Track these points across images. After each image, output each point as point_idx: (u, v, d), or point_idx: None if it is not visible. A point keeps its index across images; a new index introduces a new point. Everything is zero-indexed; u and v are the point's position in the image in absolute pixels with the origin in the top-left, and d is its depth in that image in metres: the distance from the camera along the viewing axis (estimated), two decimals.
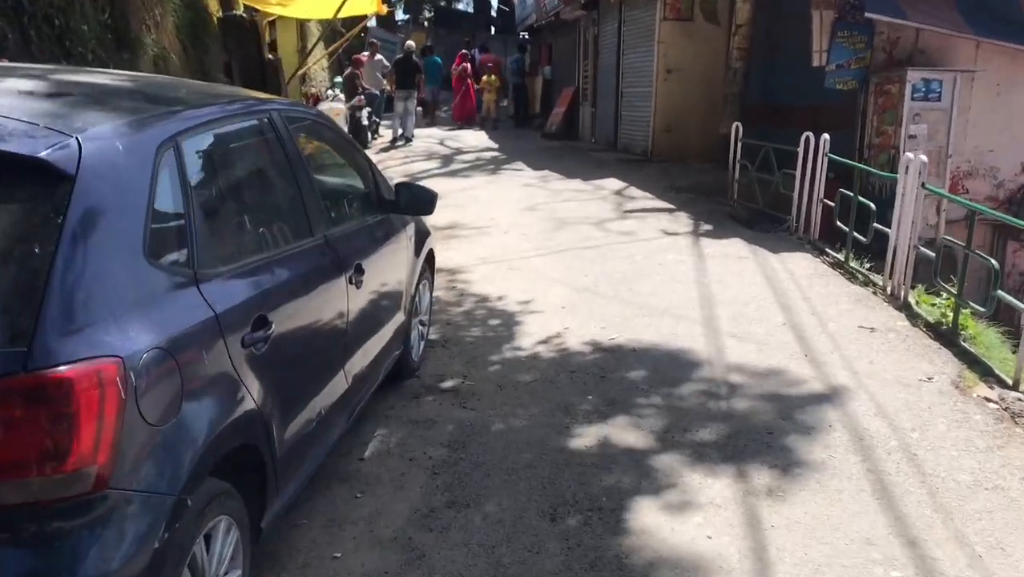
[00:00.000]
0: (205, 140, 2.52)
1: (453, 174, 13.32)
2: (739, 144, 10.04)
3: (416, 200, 4.08)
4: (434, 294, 6.37)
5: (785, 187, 8.85)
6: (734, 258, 7.60)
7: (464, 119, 20.53)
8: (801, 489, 3.47)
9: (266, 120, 2.99)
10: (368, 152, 15.98)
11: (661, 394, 4.47)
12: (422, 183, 12.35)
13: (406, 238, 4.30)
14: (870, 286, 6.63)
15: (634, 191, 11.30)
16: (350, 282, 3.27)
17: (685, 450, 3.82)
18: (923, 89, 8.79)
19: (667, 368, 4.84)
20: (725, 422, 4.11)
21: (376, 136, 17.87)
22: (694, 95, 13.72)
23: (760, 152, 9.44)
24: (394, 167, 14.00)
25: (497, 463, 3.72)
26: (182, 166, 2.33)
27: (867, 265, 7.17)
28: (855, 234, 7.21)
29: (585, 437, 3.97)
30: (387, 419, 4.19)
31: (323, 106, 12.21)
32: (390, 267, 4.03)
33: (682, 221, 9.31)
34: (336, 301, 3.17)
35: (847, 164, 8.24)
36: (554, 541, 3.12)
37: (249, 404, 2.38)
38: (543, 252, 7.91)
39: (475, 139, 18.49)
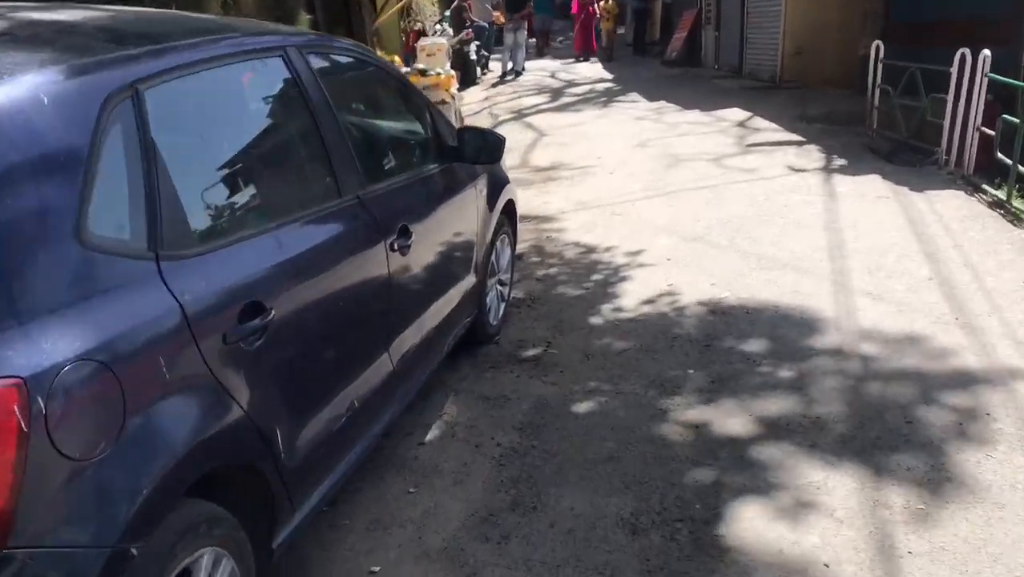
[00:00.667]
0: (183, 87, 2.04)
1: (562, 108, 12.61)
2: (879, 66, 8.87)
3: (483, 146, 3.51)
4: (525, 245, 5.85)
5: (934, 114, 7.73)
6: (871, 198, 6.66)
7: (585, 50, 19.43)
8: (948, 502, 2.77)
9: (279, 59, 2.48)
10: (477, 87, 15.50)
11: (776, 368, 3.80)
12: (529, 119, 11.88)
13: (475, 190, 3.76)
14: None
15: (759, 122, 10.30)
16: (392, 249, 2.77)
17: (801, 443, 3.17)
18: None
19: (785, 335, 4.15)
20: (854, 407, 3.42)
21: (486, 71, 17.29)
22: (829, 13, 12.38)
23: (904, 74, 8.28)
24: (502, 103, 13.45)
25: (574, 454, 3.20)
26: (143, 120, 1.86)
27: None
28: (1020, 167, 6.14)
29: (681, 423, 3.38)
30: (456, 394, 3.73)
31: (424, 41, 11.68)
32: (453, 224, 3.51)
33: (812, 155, 8.34)
34: (373, 272, 2.68)
35: (1013, 84, 7.05)
36: (632, 561, 2.58)
37: (235, 414, 1.94)
38: (651, 194, 7.20)
39: (589, 70, 17.59)
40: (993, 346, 3.91)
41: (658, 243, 5.79)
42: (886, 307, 4.43)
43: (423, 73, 9.67)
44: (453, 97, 9.64)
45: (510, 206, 4.43)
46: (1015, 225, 5.79)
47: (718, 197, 6.95)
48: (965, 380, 3.59)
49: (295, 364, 2.23)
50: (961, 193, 6.66)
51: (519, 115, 12.13)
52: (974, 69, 7.00)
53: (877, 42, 9.04)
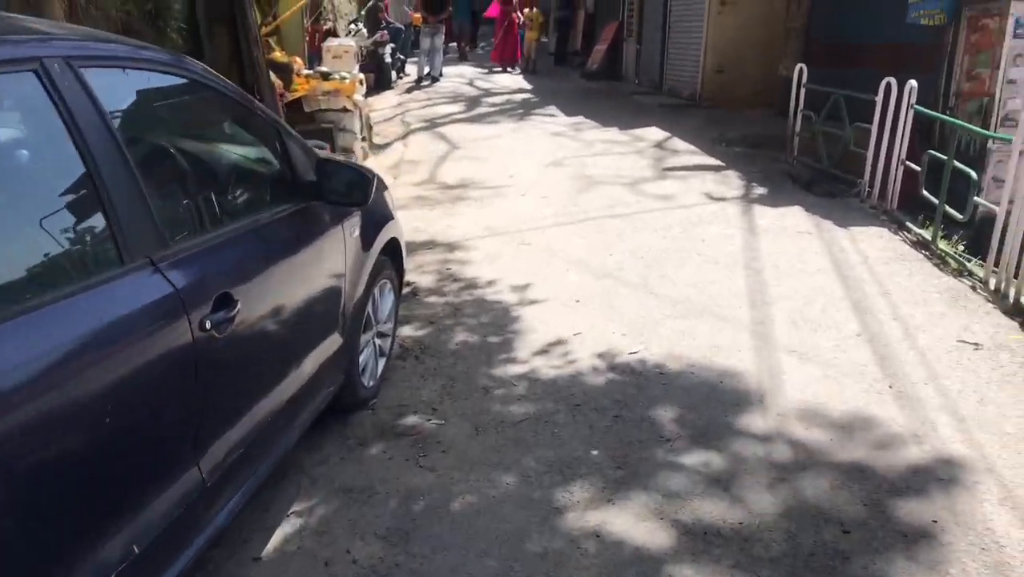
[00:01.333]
0: None
1: (477, 119, 12.03)
2: (802, 89, 8.58)
3: (348, 183, 2.86)
4: (424, 279, 5.23)
5: (857, 143, 7.44)
6: (793, 233, 6.28)
7: (506, 62, 18.73)
8: None
9: (30, 75, 1.78)
10: (391, 92, 14.76)
11: (692, 452, 3.26)
12: (442, 129, 11.21)
13: (342, 231, 3.10)
14: (967, 276, 5.28)
15: (677, 143, 9.93)
16: (202, 328, 2.09)
17: (722, 560, 2.62)
18: None
19: (703, 406, 3.62)
20: (782, 508, 2.89)
21: (401, 75, 16.58)
22: (752, 31, 12.18)
23: (828, 100, 7.99)
24: (415, 110, 12.80)
25: (446, 575, 2.58)
26: None
27: (960, 246, 5.80)
28: (946, 207, 5.83)
29: (579, 529, 2.79)
30: (312, 483, 3.06)
31: (331, 42, 10.87)
32: (307, 278, 2.85)
33: (731, 182, 7.96)
34: (169, 363, 1.99)
35: (936, 117, 6.80)
36: None
37: None
38: (563, 221, 6.66)
39: (508, 79, 17.09)
40: (932, 424, 3.46)
41: (567, 280, 5.24)
42: (813, 369, 3.97)
43: (325, 77, 8.91)
44: (356, 104, 8.91)
45: (394, 244, 3.80)
46: (941, 270, 5.46)
47: (632, 227, 6.46)
48: (906, 473, 3.11)
49: (25, 514, 1.54)
50: (885, 231, 6.34)
51: (432, 124, 11.50)
52: (899, 99, 6.70)
53: (800, 65, 8.76)
